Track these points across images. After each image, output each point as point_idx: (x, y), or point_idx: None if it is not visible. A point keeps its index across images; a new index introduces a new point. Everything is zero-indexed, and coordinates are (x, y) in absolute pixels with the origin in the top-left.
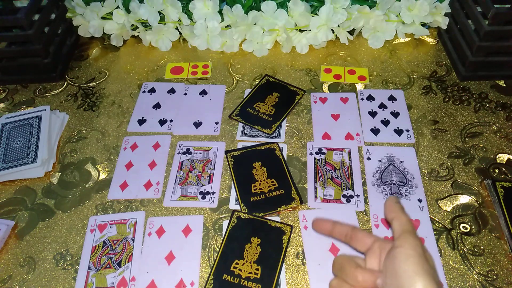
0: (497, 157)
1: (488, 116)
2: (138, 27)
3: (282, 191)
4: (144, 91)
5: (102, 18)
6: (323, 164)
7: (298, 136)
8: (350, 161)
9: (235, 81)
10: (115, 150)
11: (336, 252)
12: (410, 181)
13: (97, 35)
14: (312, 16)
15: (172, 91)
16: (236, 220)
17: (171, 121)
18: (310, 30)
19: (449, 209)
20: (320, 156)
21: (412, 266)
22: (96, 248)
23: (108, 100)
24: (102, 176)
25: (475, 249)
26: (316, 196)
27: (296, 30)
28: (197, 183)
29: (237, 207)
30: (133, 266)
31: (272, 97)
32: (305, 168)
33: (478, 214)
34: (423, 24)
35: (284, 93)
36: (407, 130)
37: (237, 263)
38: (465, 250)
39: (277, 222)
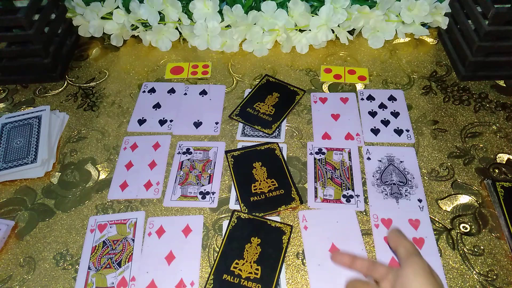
0: (497, 157)
1: (488, 116)
2: (138, 27)
3: (282, 191)
4: (144, 91)
5: (102, 18)
6: (323, 164)
7: (298, 136)
8: (350, 161)
9: (235, 81)
10: (115, 150)
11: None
12: (410, 181)
13: (97, 35)
14: (312, 16)
15: (172, 91)
16: (236, 220)
17: (171, 121)
18: (310, 30)
19: (449, 209)
20: (320, 156)
21: (421, 282)
22: (96, 248)
23: (108, 100)
24: (102, 176)
25: (475, 249)
26: (316, 196)
27: (296, 30)
28: (197, 183)
29: (237, 207)
30: (133, 266)
31: (272, 97)
32: (305, 168)
33: (478, 214)
34: (423, 24)
35: (284, 93)
36: (407, 130)
37: (237, 263)
38: (465, 250)
39: (277, 222)
